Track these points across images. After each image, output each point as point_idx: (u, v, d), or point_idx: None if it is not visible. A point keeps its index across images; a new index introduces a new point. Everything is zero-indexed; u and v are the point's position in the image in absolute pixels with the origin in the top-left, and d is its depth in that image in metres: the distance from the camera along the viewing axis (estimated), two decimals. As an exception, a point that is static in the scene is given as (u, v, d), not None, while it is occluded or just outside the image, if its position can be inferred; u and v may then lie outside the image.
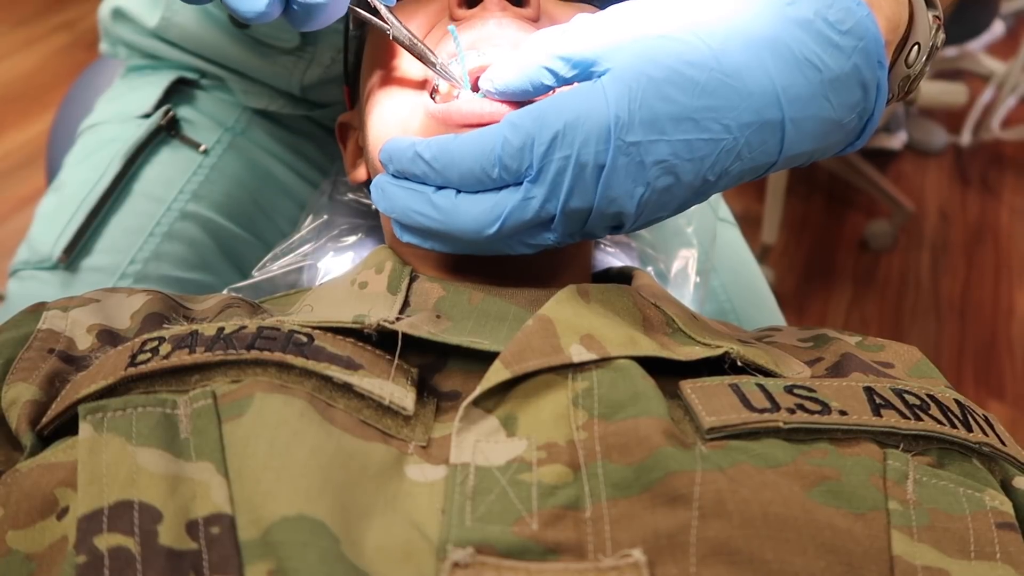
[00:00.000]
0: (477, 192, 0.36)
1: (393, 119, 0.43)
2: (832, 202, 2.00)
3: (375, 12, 0.40)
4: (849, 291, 1.78)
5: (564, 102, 0.34)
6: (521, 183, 0.35)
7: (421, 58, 0.41)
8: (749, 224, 1.86)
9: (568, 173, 0.33)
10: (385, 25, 0.40)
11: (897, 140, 1.93)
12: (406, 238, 0.40)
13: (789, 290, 1.76)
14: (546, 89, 0.36)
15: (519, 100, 0.38)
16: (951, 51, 1.51)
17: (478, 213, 0.36)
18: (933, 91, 1.39)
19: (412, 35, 0.41)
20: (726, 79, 0.33)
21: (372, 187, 0.41)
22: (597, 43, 0.34)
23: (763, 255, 1.74)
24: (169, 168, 0.65)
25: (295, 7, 0.36)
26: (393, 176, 0.40)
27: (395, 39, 0.41)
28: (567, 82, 0.36)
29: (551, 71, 0.35)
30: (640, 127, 0.33)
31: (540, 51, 0.36)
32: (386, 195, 0.39)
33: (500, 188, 0.35)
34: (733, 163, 0.35)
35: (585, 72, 0.35)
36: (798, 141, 0.35)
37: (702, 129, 0.33)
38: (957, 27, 1.46)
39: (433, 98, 0.42)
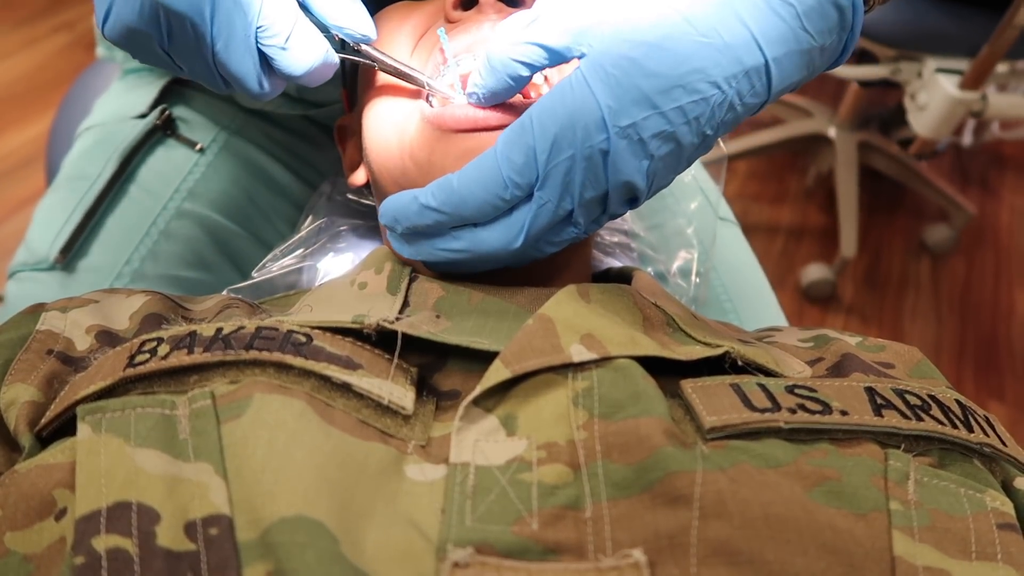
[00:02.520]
0: (494, 219, 0.37)
1: (389, 123, 0.43)
2: (890, 206, 1.97)
3: (358, 52, 0.41)
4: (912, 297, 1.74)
5: (552, 105, 0.34)
6: (532, 194, 0.35)
7: (412, 82, 0.41)
8: (814, 237, 1.84)
9: (576, 171, 0.34)
10: (371, 63, 0.41)
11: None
12: (436, 269, 0.41)
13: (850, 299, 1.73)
14: (526, 80, 0.37)
15: (505, 98, 0.38)
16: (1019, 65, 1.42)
17: (501, 232, 0.36)
18: (1001, 104, 1.32)
19: (398, 63, 0.41)
20: (703, 39, 0.33)
21: (389, 238, 0.42)
22: (567, 27, 0.34)
23: (841, 269, 1.69)
24: (165, 167, 0.65)
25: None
26: (403, 235, 0.40)
27: (383, 71, 0.42)
28: (540, 68, 0.36)
29: (525, 63, 0.36)
30: (633, 108, 0.33)
31: (508, 43, 0.36)
32: (407, 244, 0.40)
33: (514, 206, 0.36)
34: (727, 113, 0.35)
35: (561, 58, 0.35)
36: (784, 76, 0.36)
37: (691, 92, 0.34)
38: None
39: (429, 102, 0.42)
